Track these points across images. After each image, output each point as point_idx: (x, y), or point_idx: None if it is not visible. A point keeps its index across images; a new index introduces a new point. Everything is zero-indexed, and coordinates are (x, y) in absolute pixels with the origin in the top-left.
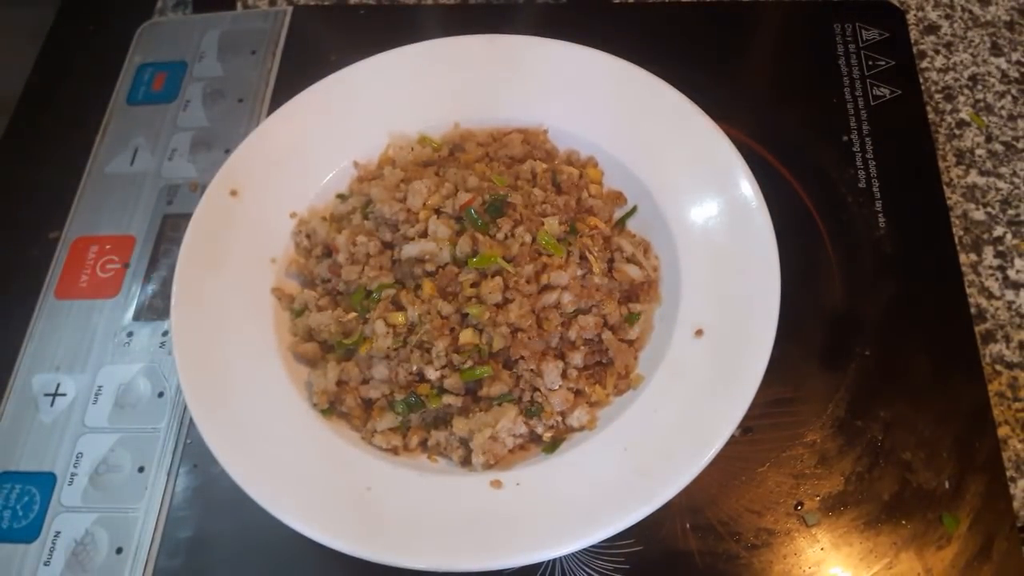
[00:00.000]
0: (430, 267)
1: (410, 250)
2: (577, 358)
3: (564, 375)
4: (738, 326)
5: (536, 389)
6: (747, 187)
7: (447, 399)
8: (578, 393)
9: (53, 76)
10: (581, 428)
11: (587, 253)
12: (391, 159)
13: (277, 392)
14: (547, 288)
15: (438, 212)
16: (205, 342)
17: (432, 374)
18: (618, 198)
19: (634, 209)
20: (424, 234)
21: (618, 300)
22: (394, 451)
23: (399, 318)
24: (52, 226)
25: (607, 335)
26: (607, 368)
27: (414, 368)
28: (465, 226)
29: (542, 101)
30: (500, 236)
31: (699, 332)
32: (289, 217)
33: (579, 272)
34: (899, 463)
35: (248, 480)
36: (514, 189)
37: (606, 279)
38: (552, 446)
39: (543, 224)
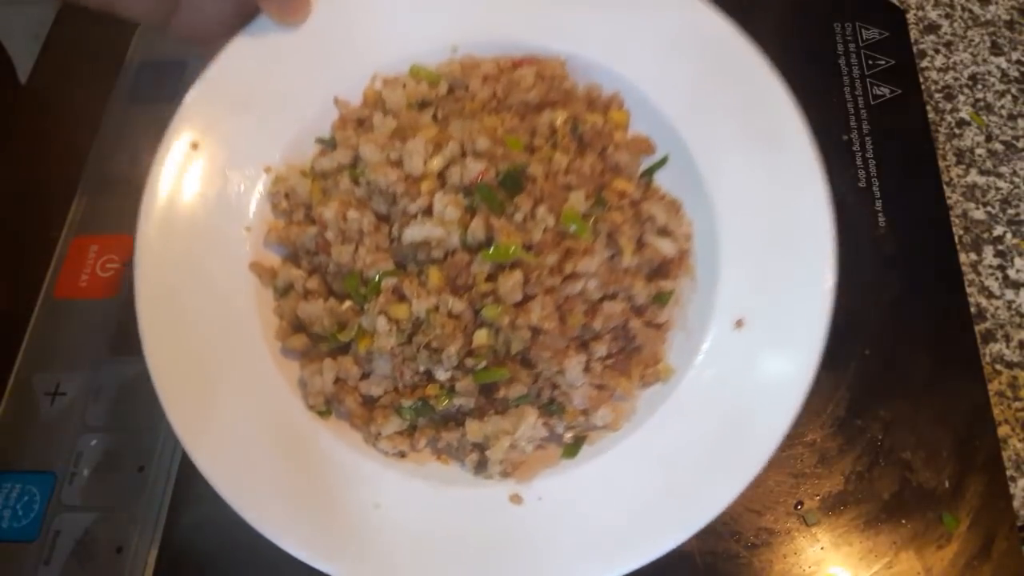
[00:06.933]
0: (437, 253)
1: (413, 234)
2: (601, 348)
3: (587, 369)
4: (784, 315)
5: (556, 386)
6: (802, 146)
7: (458, 400)
8: (601, 388)
9: (53, 76)
10: (605, 427)
11: (617, 234)
12: (379, 98)
13: (266, 392)
14: (571, 277)
15: (443, 182)
16: (179, 337)
17: (442, 375)
18: (644, 146)
19: (664, 160)
20: (428, 211)
21: (646, 277)
22: (401, 455)
23: (402, 311)
24: (52, 226)
25: (634, 323)
26: (632, 356)
27: (421, 368)
28: (476, 204)
29: (557, 20)
30: (518, 218)
31: (739, 323)
32: (263, 172)
33: (607, 254)
34: (899, 463)
35: (245, 504)
36: (531, 152)
37: (636, 258)
38: (574, 448)
39: (567, 199)
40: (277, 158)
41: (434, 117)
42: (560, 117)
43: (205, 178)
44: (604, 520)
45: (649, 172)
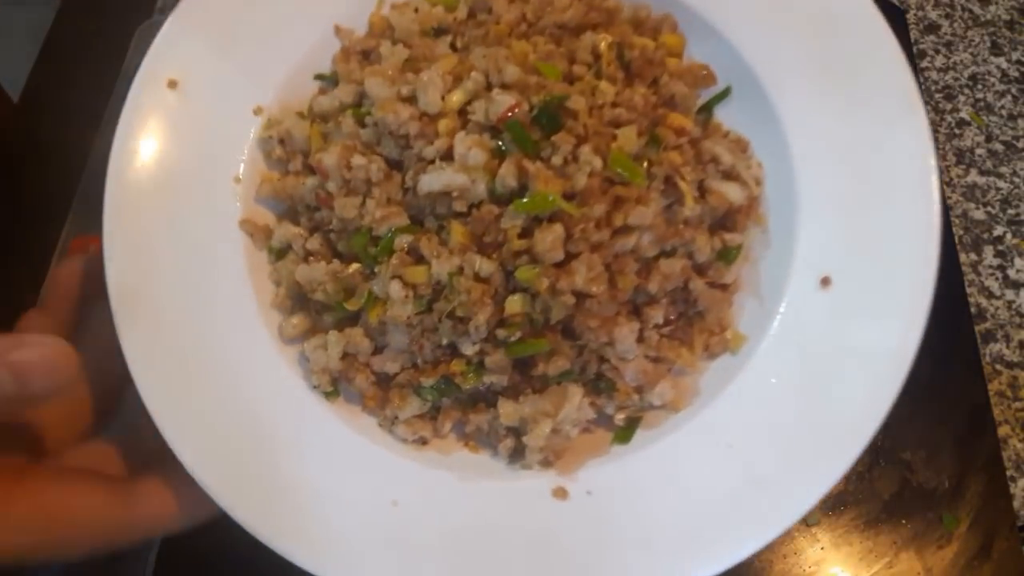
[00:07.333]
0: (459, 206)
1: (430, 182)
2: (657, 314)
3: (641, 338)
4: (881, 271)
5: (605, 360)
6: (897, 69)
7: (489, 378)
8: (658, 361)
9: (53, 76)
10: (663, 407)
11: (675, 178)
12: (387, 24)
13: (262, 370)
14: (622, 231)
15: (465, 120)
16: (157, 309)
17: (468, 349)
18: (703, 75)
19: (727, 91)
20: (447, 155)
21: (709, 229)
22: (422, 441)
23: (420, 275)
24: (52, 226)
25: (696, 284)
26: (694, 323)
27: (443, 341)
28: (506, 146)
29: None
30: (557, 161)
31: (825, 281)
32: (253, 114)
33: (663, 202)
34: (899, 462)
35: (238, 503)
36: (570, 82)
37: (698, 207)
38: (627, 432)
39: (616, 139)
40: (269, 97)
41: (452, 46)
42: (605, 41)
43: (185, 122)
44: (669, 518)
45: (708, 106)
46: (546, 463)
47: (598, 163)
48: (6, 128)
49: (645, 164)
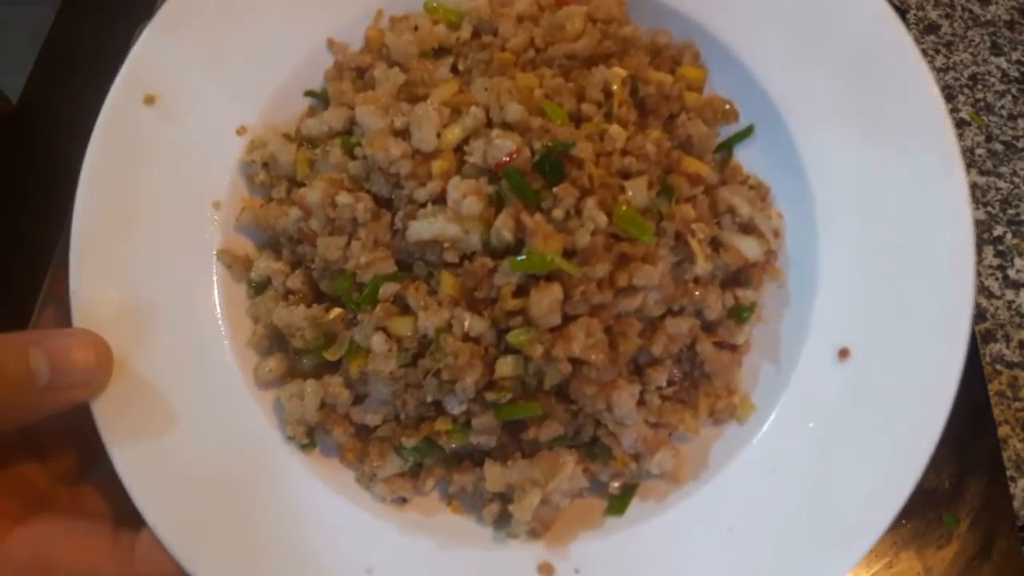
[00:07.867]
0: (451, 256)
1: (420, 230)
2: (660, 376)
3: (641, 401)
4: (906, 347)
5: (601, 424)
6: (937, 124)
7: (475, 439)
8: (658, 426)
9: (53, 76)
10: (663, 476)
11: (687, 236)
12: (381, 40)
13: (233, 417)
14: (627, 291)
15: (461, 160)
16: (124, 348)
17: (455, 408)
18: (726, 110)
19: (749, 130)
20: (440, 199)
21: (720, 284)
22: (402, 501)
23: (405, 326)
24: (52, 225)
25: (704, 346)
26: (700, 384)
27: (428, 398)
28: (504, 193)
29: None
30: (559, 214)
31: (844, 353)
32: (235, 135)
33: (673, 259)
34: None
35: (199, 564)
36: (578, 124)
37: (710, 264)
38: (621, 502)
39: (624, 191)
40: (254, 117)
41: (454, 69)
42: (617, 78)
43: (162, 140)
44: None
45: (728, 144)
46: (533, 534)
47: (603, 220)
48: (5, 128)
49: (656, 218)
